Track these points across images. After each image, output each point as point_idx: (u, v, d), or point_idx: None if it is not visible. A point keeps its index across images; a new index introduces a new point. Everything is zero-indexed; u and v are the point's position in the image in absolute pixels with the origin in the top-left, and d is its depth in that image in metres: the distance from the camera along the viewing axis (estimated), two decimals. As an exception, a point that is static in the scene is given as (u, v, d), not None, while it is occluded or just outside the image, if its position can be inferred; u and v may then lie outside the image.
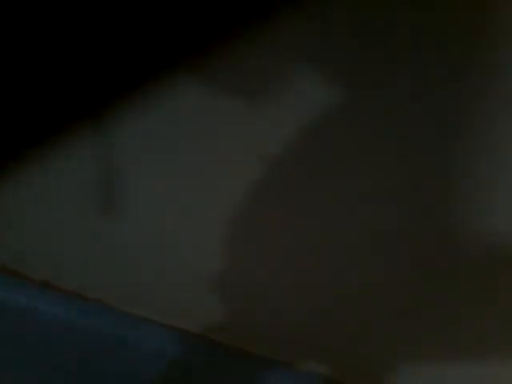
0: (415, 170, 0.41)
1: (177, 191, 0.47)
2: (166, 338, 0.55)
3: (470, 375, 0.49)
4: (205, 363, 0.55)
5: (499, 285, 0.44)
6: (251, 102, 0.40)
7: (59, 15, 0.39)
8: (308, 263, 0.48)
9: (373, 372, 0.54)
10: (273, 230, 0.47)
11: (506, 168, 0.39)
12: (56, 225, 0.52)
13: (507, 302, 0.45)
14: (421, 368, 0.51)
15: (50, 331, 0.54)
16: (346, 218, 0.45)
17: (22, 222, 0.53)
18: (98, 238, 0.52)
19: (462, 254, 0.43)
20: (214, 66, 0.39)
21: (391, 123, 0.39)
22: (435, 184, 0.41)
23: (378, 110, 0.39)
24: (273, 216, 0.46)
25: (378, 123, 0.39)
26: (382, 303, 0.49)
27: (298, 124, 0.41)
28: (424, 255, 0.45)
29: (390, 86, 0.38)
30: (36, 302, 0.55)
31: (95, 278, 0.55)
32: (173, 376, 0.55)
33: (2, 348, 0.55)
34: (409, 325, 0.49)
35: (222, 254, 0.49)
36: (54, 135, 0.45)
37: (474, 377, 0.49)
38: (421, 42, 0.35)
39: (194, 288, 0.52)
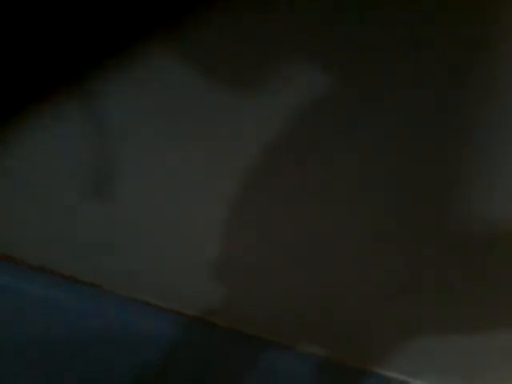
0: (412, 156, 0.41)
1: (174, 175, 0.47)
2: (165, 321, 0.55)
3: (469, 350, 0.50)
4: (204, 346, 0.56)
5: (498, 262, 0.45)
6: (242, 87, 0.40)
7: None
8: (306, 246, 0.49)
9: (372, 352, 0.55)
10: (271, 214, 0.48)
11: (506, 160, 0.40)
12: (52, 209, 0.52)
13: (506, 278, 0.46)
14: (419, 347, 0.52)
15: (49, 316, 0.55)
16: (343, 202, 0.45)
17: (17, 207, 0.53)
18: (95, 222, 0.52)
19: (462, 232, 0.44)
20: (206, 51, 0.39)
21: (386, 110, 0.39)
22: (435, 170, 0.41)
23: (372, 98, 0.39)
24: (270, 200, 0.47)
25: (373, 110, 0.40)
26: (381, 285, 0.49)
27: (289, 111, 0.41)
28: (423, 234, 0.45)
29: (385, 75, 0.38)
30: (33, 287, 0.55)
31: (93, 263, 0.55)
32: (172, 359, 0.56)
33: (1, 333, 0.56)
34: (407, 305, 0.50)
35: (221, 237, 0.49)
36: (43, 107, 0.45)
37: (473, 351, 0.50)
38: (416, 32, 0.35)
39: (193, 271, 0.53)
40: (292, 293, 0.53)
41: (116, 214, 0.51)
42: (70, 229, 0.53)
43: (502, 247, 0.43)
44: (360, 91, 0.39)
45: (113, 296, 0.55)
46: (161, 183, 0.48)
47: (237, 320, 0.56)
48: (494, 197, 0.41)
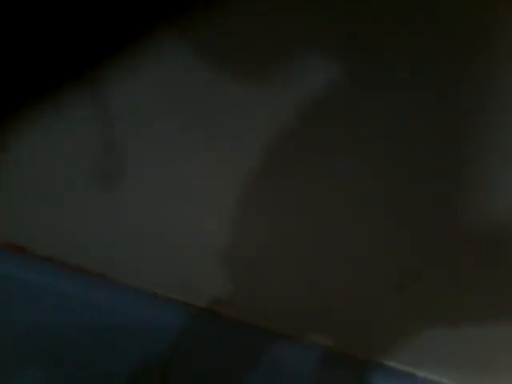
0: (415, 149, 0.41)
1: (182, 166, 0.47)
2: (172, 311, 0.55)
3: (473, 342, 0.50)
4: (212, 337, 0.56)
5: (500, 254, 0.45)
6: (250, 76, 0.40)
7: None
8: (309, 238, 0.49)
9: (377, 343, 0.55)
10: (276, 205, 0.48)
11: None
12: (60, 200, 0.52)
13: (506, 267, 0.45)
14: (424, 339, 0.52)
15: (57, 307, 0.55)
16: (345, 193, 0.45)
17: (26, 198, 0.54)
18: (101, 212, 0.52)
19: (464, 228, 0.44)
20: (213, 39, 0.39)
21: (393, 103, 0.39)
22: (437, 167, 0.41)
23: (379, 88, 0.39)
24: (276, 190, 0.47)
25: (380, 101, 0.39)
26: (382, 275, 0.49)
27: (297, 101, 0.40)
28: (426, 229, 0.45)
29: (386, 74, 0.38)
30: (41, 278, 0.55)
31: (100, 253, 0.56)
32: (179, 350, 0.56)
33: (10, 322, 0.57)
34: (411, 297, 0.50)
35: (227, 227, 0.50)
36: (50, 100, 0.45)
37: (477, 343, 0.50)
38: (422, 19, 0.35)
39: (201, 262, 0.53)
40: (299, 284, 0.53)
41: (124, 205, 0.51)
42: (79, 219, 0.54)
43: (503, 243, 0.43)
44: (361, 90, 0.39)
45: (120, 286, 0.55)
46: (168, 174, 0.48)
47: (244, 311, 0.56)
48: (495, 196, 0.41)
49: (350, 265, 0.50)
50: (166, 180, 0.49)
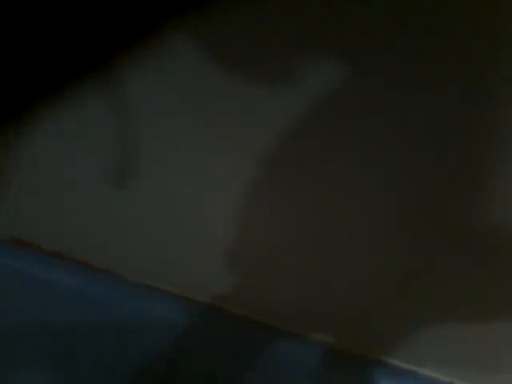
0: (416, 149, 0.41)
1: (189, 162, 0.47)
2: (177, 307, 0.56)
3: (474, 340, 0.51)
4: (215, 333, 0.56)
5: (500, 254, 0.45)
6: (252, 76, 0.41)
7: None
8: (317, 235, 0.49)
9: (379, 341, 0.55)
10: (278, 205, 0.48)
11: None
12: (68, 196, 0.53)
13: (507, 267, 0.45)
14: (426, 336, 0.52)
15: (63, 302, 0.55)
16: (346, 194, 0.45)
17: (33, 194, 0.54)
18: (110, 209, 0.53)
19: (463, 223, 0.44)
20: (223, 39, 0.39)
21: (393, 103, 0.39)
22: (437, 164, 0.41)
23: (380, 88, 0.39)
24: (278, 191, 0.47)
25: (380, 101, 0.39)
26: (383, 274, 0.50)
27: (306, 100, 0.41)
28: (424, 226, 0.45)
29: (393, 64, 0.37)
30: (49, 273, 0.55)
31: (108, 250, 0.56)
32: (184, 346, 0.56)
33: (17, 318, 0.57)
34: (413, 295, 0.50)
35: (234, 226, 0.50)
36: (63, 96, 0.45)
37: (479, 341, 0.51)
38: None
39: (205, 257, 0.53)
40: (300, 282, 0.53)
41: (128, 203, 0.51)
42: (85, 215, 0.54)
43: (503, 243, 0.43)
44: (361, 90, 0.39)
45: (125, 282, 0.56)
46: (176, 170, 0.48)
47: (248, 307, 0.56)
48: (495, 195, 0.41)
49: (351, 264, 0.50)
50: (169, 179, 0.49)
